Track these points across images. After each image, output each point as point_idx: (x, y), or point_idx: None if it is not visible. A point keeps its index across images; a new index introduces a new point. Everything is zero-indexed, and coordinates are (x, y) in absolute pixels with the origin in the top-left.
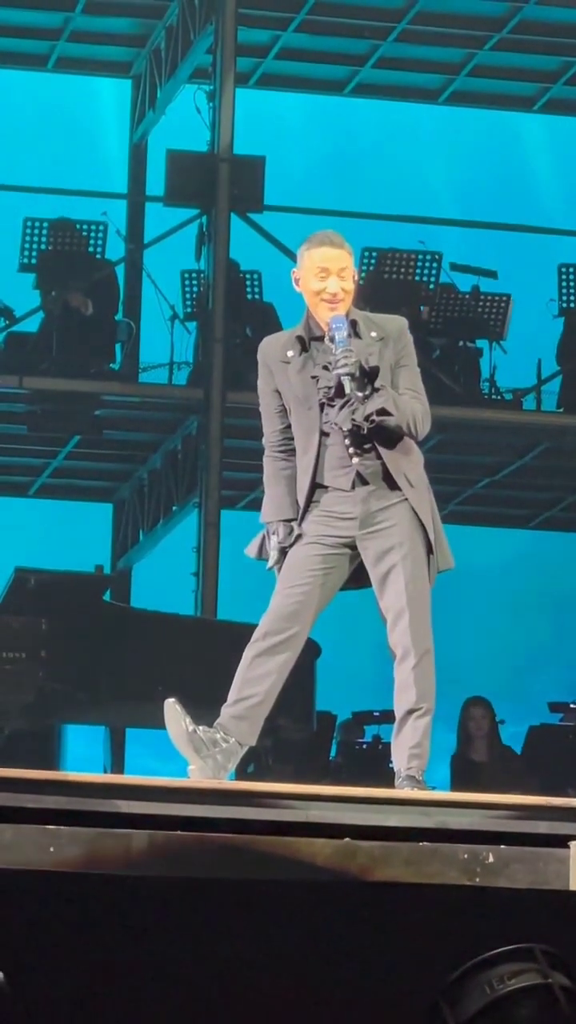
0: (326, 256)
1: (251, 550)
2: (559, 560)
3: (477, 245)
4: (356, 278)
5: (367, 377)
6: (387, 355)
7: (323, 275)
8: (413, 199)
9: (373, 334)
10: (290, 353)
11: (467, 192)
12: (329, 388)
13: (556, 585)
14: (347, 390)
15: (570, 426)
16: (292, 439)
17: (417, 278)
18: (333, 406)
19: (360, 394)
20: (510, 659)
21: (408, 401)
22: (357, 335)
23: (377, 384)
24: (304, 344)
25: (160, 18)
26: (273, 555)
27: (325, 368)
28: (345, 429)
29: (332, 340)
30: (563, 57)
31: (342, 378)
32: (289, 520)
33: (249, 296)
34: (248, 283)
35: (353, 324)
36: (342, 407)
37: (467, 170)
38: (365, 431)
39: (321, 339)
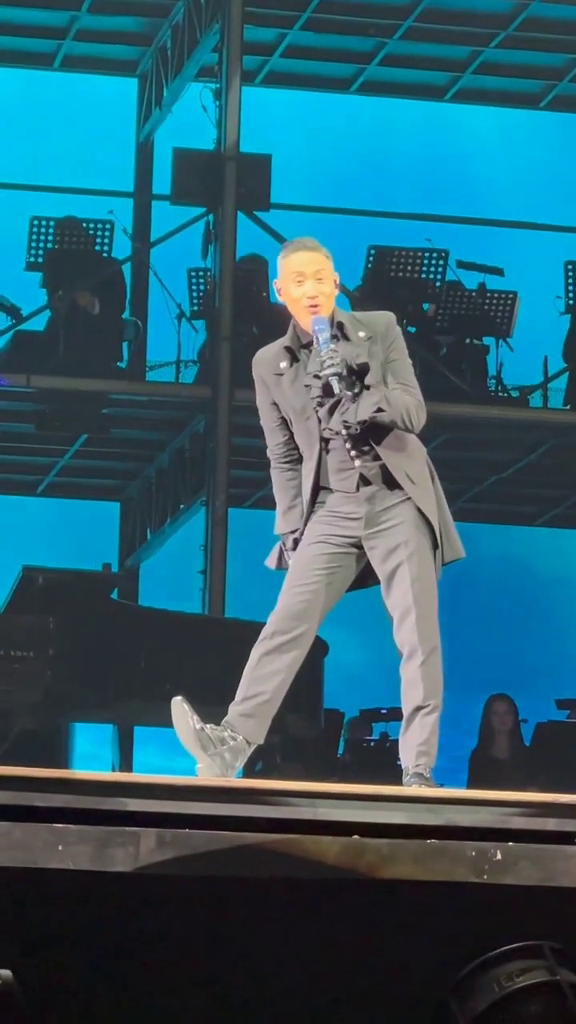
0: (301, 261)
1: (271, 561)
2: (566, 557)
3: (484, 243)
4: (336, 280)
5: (355, 375)
6: (377, 353)
7: (300, 280)
8: (419, 197)
9: (361, 334)
10: (282, 365)
11: (473, 190)
12: (320, 395)
13: (564, 582)
14: (336, 390)
15: None
16: (296, 449)
17: (424, 276)
18: (323, 405)
19: (349, 393)
20: (517, 656)
21: (400, 396)
22: (345, 337)
23: (368, 381)
24: (294, 354)
25: (166, 17)
26: (292, 565)
27: (317, 377)
28: (335, 431)
29: (317, 343)
30: (570, 54)
31: (329, 379)
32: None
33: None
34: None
35: (340, 326)
36: (333, 408)
37: (473, 168)
38: (359, 431)
39: (309, 346)
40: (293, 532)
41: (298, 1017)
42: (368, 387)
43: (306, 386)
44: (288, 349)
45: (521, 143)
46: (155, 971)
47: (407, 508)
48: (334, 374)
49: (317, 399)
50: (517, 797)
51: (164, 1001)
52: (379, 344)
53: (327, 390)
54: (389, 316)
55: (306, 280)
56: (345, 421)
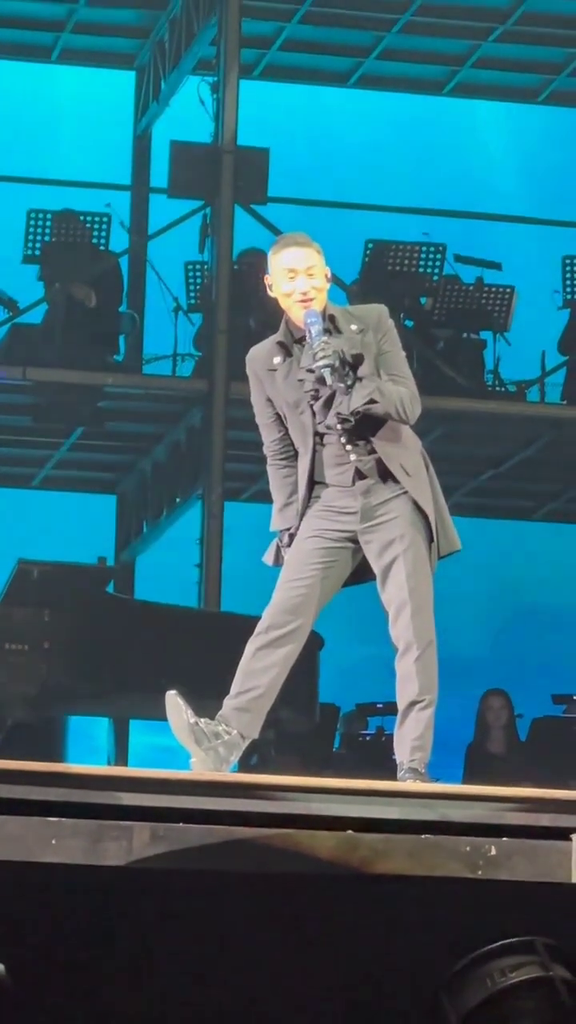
0: (292, 257)
1: (268, 558)
2: (563, 551)
3: (481, 237)
4: (328, 275)
5: (348, 367)
6: (370, 345)
7: (291, 275)
8: (417, 191)
9: (353, 327)
10: (276, 360)
11: (471, 184)
12: (314, 388)
13: (560, 577)
14: (328, 382)
15: (574, 418)
16: (292, 445)
17: (421, 270)
18: (319, 398)
19: (342, 385)
20: (514, 651)
21: (394, 387)
22: (337, 330)
23: (361, 373)
24: (287, 349)
25: (164, 9)
26: None
27: (310, 371)
28: (329, 425)
29: (309, 336)
30: (568, 49)
31: (322, 371)
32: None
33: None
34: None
35: (332, 319)
36: (327, 401)
37: (471, 162)
38: (352, 423)
39: (302, 341)
40: (289, 529)
41: (291, 1012)
42: (361, 379)
43: (299, 380)
44: (281, 344)
45: (519, 137)
46: (149, 965)
47: (403, 502)
48: (326, 366)
49: (311, 393)
50: (512, 793)
51: (158, 995)
52: (372, 336)
53: (320, 382)
54: (381, 308)
55: (297, 275)
56: (339, 413)
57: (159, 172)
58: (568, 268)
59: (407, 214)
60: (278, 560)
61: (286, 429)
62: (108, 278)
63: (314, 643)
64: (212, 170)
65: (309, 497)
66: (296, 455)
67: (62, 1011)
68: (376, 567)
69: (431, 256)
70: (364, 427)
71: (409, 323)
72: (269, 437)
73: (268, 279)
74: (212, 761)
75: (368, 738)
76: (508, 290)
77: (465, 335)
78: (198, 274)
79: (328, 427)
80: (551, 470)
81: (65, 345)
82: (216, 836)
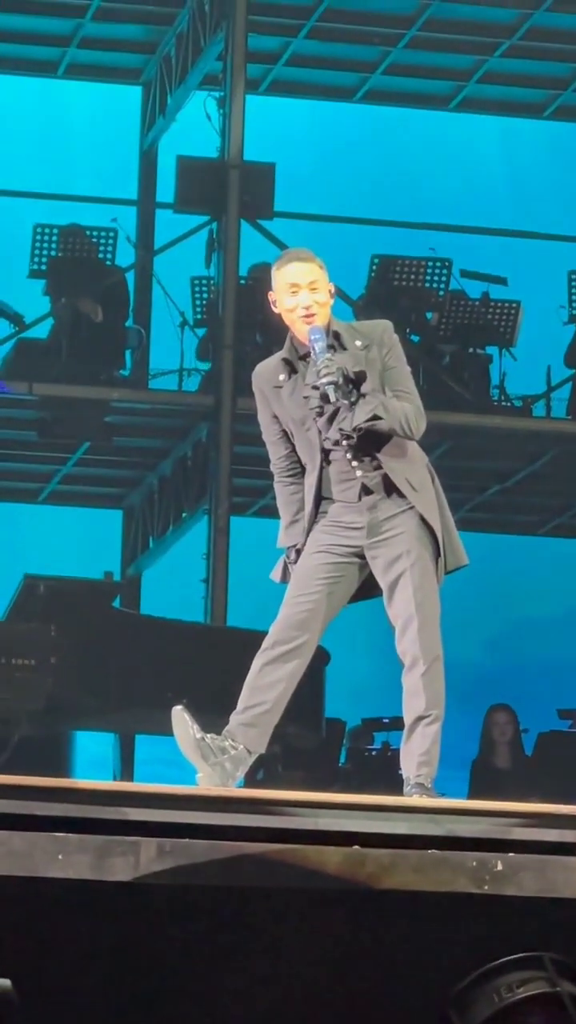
0: (295, 272)
1: (276, 575)
2: (569, 566)
3: (487, 252)
4: (332, 290)
5: (352, 384)
6: (374, 360)
7: (294, 291)
8: (423, 206)
9: (358, 343)
10: (281, 377)
11: (477, 199)
12: (319, 405)
13: (566, 592)
14: (332, 399)
15: None
16: (298, 462)
17: (427, 285)
18: (323, 415)
19: (346, 401)
20: (519, 666)
21: (398, 403)
22: (342, 346)
23: (365, 389)
24: (292, 366)
25: (170, 24)
26: None
27: (315, 387)
28: (335, 441)
29: (313, 352)
30: (573, 64)
31: (326, 388)
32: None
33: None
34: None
35: (336, 335)
36: (331, 417)
37: (477, 177)
38: (355, 440)
39: (307, 357)
40: (296, 545)
41: None
42: (364, 395)
43: (305, 397)
44: (286, 361)
45: (525, 153)
46: (156, 981)
47: (409, 517)
48: (330, 383)
49: (316, 409)
50: (518, 808)
51: (165, 1011)
52: (376, 352)
53: (324, 399)
54: (386, 324)
55: (300, 290)
56: (342, 429)
57: (165, 187)
58: (574, 283)
59: (413, 229)
60: (285, 577)
61: (293, 446)
62: (114, 293)
63: (320, 658)
64: (218, 185)
65: (316, 513)
66: (303, 472)
67: None
68: (383, 582)
69: (437, 271)
70: (370, 443)
71: (415, 338)
72: (276, 454)
73: (272, 295)
74: (218, 776)
75: (374, 753)
76: (514, 305)
77: (471, 350)
78: (204, 289)
79: (334, 443)
80: (557, 485)
81: (71, 360)
82: (222, 851)
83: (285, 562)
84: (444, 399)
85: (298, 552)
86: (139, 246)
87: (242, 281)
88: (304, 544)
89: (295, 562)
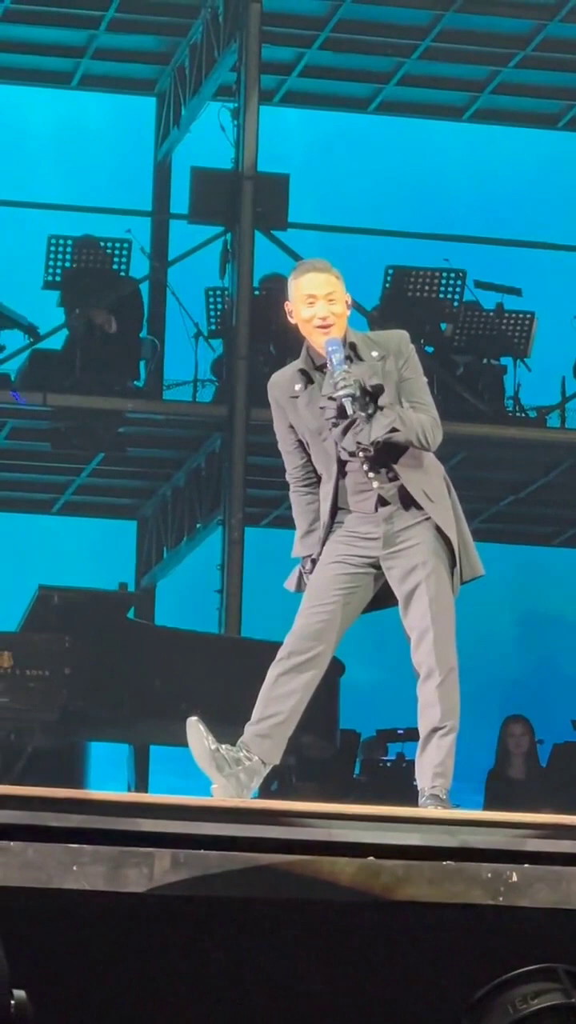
0: (312, 283)
1: (290, 584)
2: None
3: (501, 263)
4: (348, 301)
5: (369, 396)
6: (391, 371)
7: (311, 302)
8: (437, 217)
9: (374, 354)
10: (297, 387)
11: (491, 210)
12: (335, 416)
13: None
14: (349, 411)
15: None
16: (314, 472)
17: (441, 296)
18: (339, 426)
19: (363, 413)
20: (534, 676)
21: (415, 414)
22: (358, 357)
23: (382, 402)
24: (308, 376)
25: (184, 36)
26: None
27: (331, 399)
28: (351, 453)
29: (330, 364)
30: None
31: (343, 400)
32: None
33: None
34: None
35: (352, 347)
36: (347, 429)
37: (491, 188)
38: (373, 452)
39: (323, 368)
40: (311, 555)
41: None
42: (382, 407)
43: (321, 408)
44: (302, 372)
45: (539, 163)
46: (170, 992)
47: (425, 528)
48: (347, 395)
49: (332, 420)
50: (533, 819)
51: (179, 1021)
52: (393, 363)
53: (341, 411)
54: (402, 334)
55: (317, 301)
56: (359, 442)
57: (179, 198)
58: None
59: (427, 240)
60: (300, 586)
61: (308, 456)
62: (128, 304)
63: (335, 669)
64: (232, 196)
65: (332, 523)
66: (319, 482)
67: None
68: (399, 593)
69: (451, 282)
70: (386, 454)
71: (430, 349)
72: (292, 464)
73: (288, 305)
74: (233, 787)
75: (389, 764)
76: (528, 316)
77: (485, 361)
78: (218, 300)
79: (350, 455)
80: (571, 495)
81: (85, 371)
82: (237, 862)
83: (300, 572)
84: (459, 410)
85: (313, 562)
86: (153, 257)
87: (256, 292)
88: (320, 553)
89: (311, 572)
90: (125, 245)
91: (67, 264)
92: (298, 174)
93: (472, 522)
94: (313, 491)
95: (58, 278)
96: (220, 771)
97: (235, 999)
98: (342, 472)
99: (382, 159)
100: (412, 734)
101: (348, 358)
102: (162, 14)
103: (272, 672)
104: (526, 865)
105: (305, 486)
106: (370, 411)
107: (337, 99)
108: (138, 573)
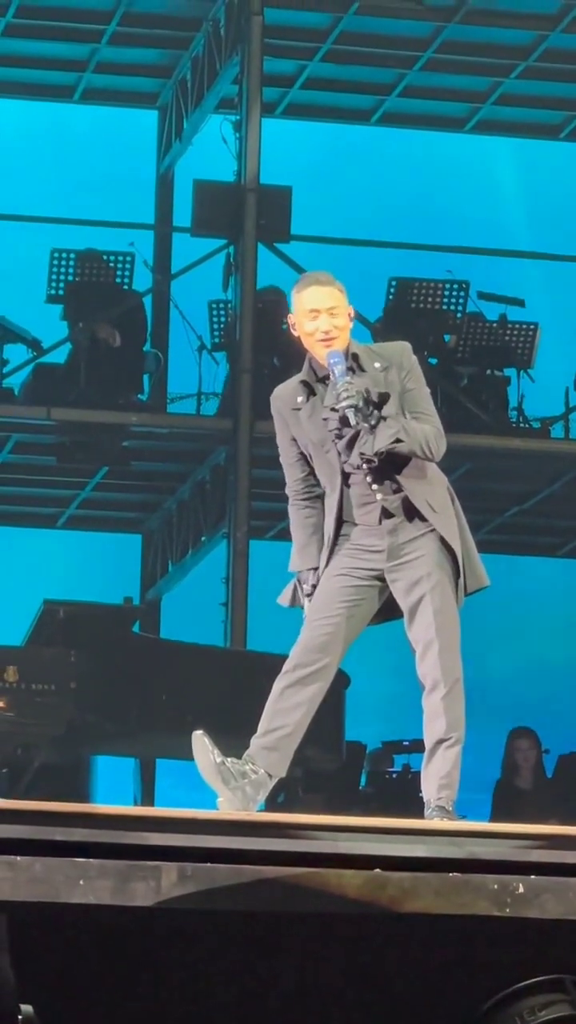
0: (314, 296)
1: (284, 599)
2: None
3: (504, 274)
4: (351, 313)
5: (372, 407)
6: (393, 382)
7: (314, 315)
8: (440, 228)
9: (376, 365)
10: (300, 399)
11: (494, 221)
12: (338, 428)
13: None
14: (352, 422)
15: None
16: (315, 486)
17: (444, 307)
18: (342, 438)
19: (366, 425)
20: (540, 687)
21: (418, 425)
22: (361, 368)
23: (385, 412)
24: (311, 388)
25: (186, 49)
26: (306, 603)
27: (334, 410)
28: (355, 465)
29: (333, 376)
30: None
31: (346, 411)
32: (317, 568)
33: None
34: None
35: (355, 358)
36: (351, 441)
37: (494, 199)
38: (377, 463)
39: (326, 380)
40: (308, 570)
41: None
42: (385, 418)
43: (324, 419)
44: (305, 384)
45: (541, 174)
46: (178, 1006)
47: (430, 540)
48: (350, 406)
49: (335, 432)
50: (539, 830)
51: None
52: (395, 374)
53: (344, 422)
54: (404, 345)
55: (320, 315)
56: (363, 454)
57: (182, 211)
58: None
59: (430, 251)
60: (294, 601)
61: (310, 469)
62: (132, 317)
63: (340, 681)
64: (235, 209)
65: (337, 536)
66: (319, 495)
67: None
68: (403, 605)
69: (454, 293)
70: (390, 466)
71: (433, 360)
72: (292, 476)
73: (291, 318)
74: (239, 800)
75: (395, 776)
76: (532, 327)
77: (489, 372)
78: (222, 313)
79: (354, 466)
80: (575, 506)
81: (89, 385)
82: (244, 875)
83: (294, 586)
84: (462, 421)
85: (313, 573)
86: (156, 270)
87: (258, 305)
88: (325, 565)
89: (310, 584)
90: (128, 258)
91: (70, 278)
92: (300, 186)
93: (477, 533)
94: (312, 505)
95: (61, 292)
96: (226, 784)
97: (243, 1012)
98: (346, 484)
99: (384, 171)
100: (418, 746)
101: (351, 369)
102: (164, 27)
103: (278, 685)
104: (532, 876)
105: (304, 499)
106: (373, 422)
107: (339, 111)
108: (143, 587)
